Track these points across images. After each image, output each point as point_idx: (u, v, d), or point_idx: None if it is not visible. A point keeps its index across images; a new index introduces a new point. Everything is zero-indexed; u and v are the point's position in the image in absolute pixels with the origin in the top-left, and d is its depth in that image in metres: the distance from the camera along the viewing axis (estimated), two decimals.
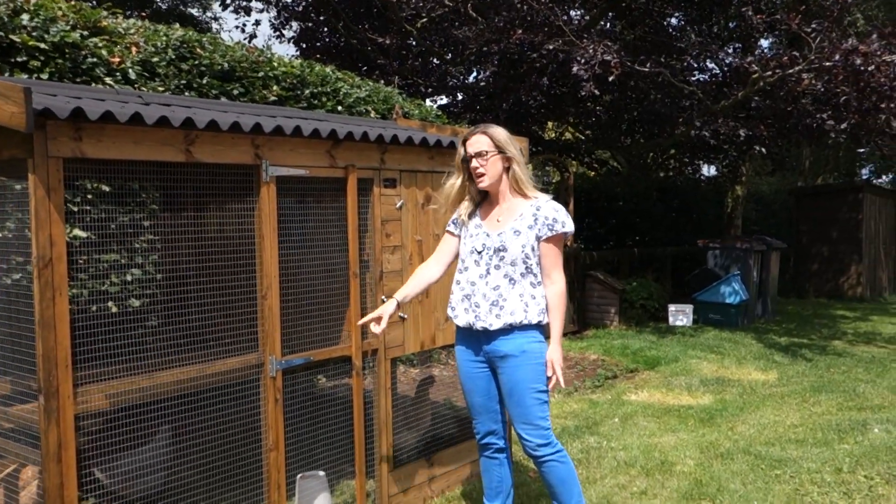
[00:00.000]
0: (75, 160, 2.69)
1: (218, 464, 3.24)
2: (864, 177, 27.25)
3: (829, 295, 15.67)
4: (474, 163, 3.38)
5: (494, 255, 3.37)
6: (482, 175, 3.38)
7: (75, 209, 3.24)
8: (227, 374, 3.26)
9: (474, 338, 3.49)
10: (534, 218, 3.36)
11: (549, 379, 3.39)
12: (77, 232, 3.18)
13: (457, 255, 3.60)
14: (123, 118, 2.69)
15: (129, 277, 3.48)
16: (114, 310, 3.39)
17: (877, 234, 16.29)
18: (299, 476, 3.73)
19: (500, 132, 3.41)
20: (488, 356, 3.47)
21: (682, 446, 5.26)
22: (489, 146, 3.37)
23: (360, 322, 3.51)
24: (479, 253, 3.42)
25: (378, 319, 3.38)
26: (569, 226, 3.38)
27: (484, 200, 3.54)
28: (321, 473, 3.81)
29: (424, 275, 3.61)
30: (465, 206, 3.53)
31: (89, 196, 3.50)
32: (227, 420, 3.29)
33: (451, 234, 3.62)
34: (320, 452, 3.81)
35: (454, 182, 3.51)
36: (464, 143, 3.44)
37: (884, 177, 28.32)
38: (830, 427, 5.71)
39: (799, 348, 9.34)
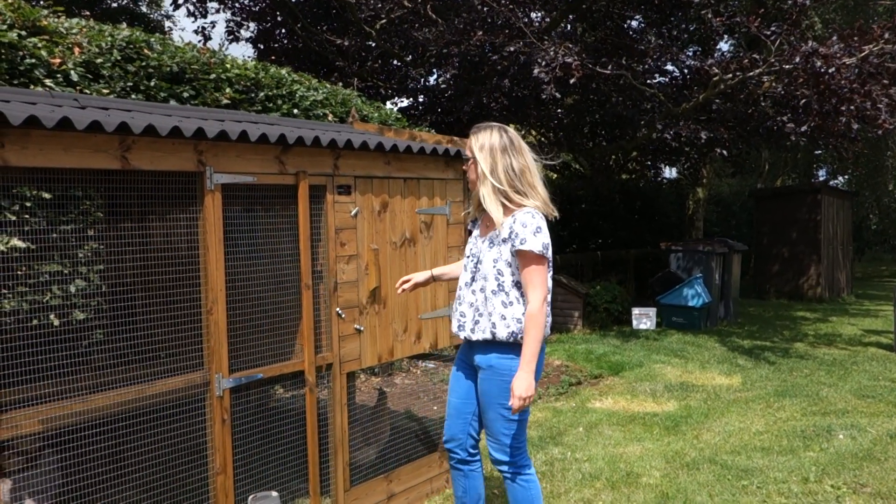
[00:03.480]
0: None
1: (160, 491, 3.05)
2: (821, 178, 27.64)
3: (790, 296, 15.78)
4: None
5: (477, 264, 3.29)
6: (471, 178, 3.33)
7: (14, 218, 3.04)
8: (169, 395, 3.06)
9: (467, 343, 3.45)
10: (509, 230, 3.14)
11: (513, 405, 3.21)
12: (15, 242, 2.97)
13: None
14: (50, 123, 2.48)
15: (72, 289, 3.26)
16: (56, 323, 3.18)
17: (835, 235, 16.45)
18: (251, 497, 3.55)
19: (483, 136, 3.22)
20: (472, 362, 3.40)
21: (648, 456, 5.15)
22: (469, 150, 3.28)
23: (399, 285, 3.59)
24: (469, 258, 3.37)
25: (406, 281, 3.56)
26: (530, 244, 3.07)
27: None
28: (274, 494, 3.63)
29: (458, 268, 3.66)
30: (474, 203, 3.43)
31: (28, 204, 3.29)
32: (169, 443, 3.09)
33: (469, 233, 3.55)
34: (272, 472, 3.63)
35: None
36: None
37: (840, 178, 28.73)
38: (795, 434, 5.65)
39: (762, 351, 9.33)
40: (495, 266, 3.19)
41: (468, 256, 3.36)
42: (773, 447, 5.35)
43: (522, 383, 3.06)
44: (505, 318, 3.17)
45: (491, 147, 3.20)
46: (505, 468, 3.30)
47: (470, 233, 3.52)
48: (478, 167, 3.23)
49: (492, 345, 3.23)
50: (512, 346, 3.20)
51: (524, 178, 3.20)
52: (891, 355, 9.12)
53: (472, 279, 3.30)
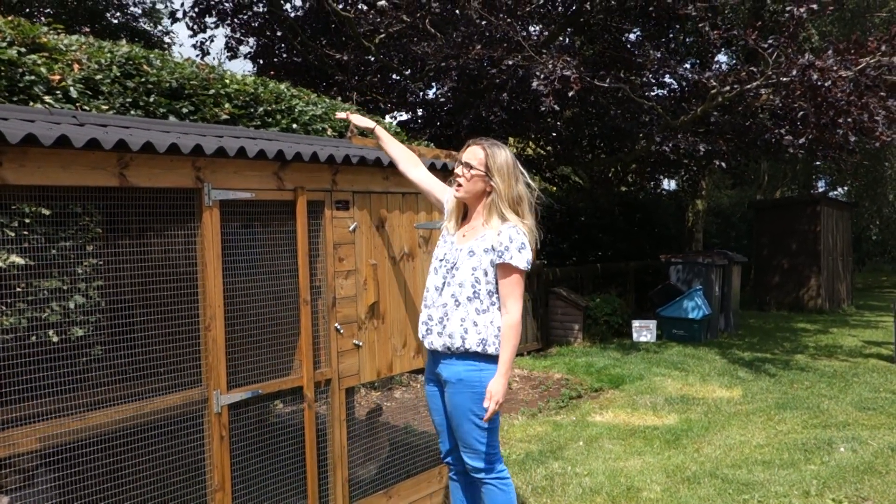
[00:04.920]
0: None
1: None
2: (821, 189, 27.67)
3: (790, 307, 15.77)
4: (459, 169, 3.32)
5: (450, 270, 3.31)
6: (459, 186, 3.32)
7: (13, 234, 3.04)
8: (167, 412, 3.06)
9: (431, 355, 3.47)
10: (492, 243, 3.22)
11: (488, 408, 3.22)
12: (14, 258, 2.97)
13: (429, 188, 3.65)
14: (48, 141, 2.49)
15: (71, 306, 3.26)
16: (55, 339, 3.18)
17: (834, 246, 16.46)
18: None
19: (500, 156, 3.27)
20: (437, 376, 3.42)
21: (649, 470, 5.14)
22: (479, 163, 3.27)
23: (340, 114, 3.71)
24: (441, 261, 3.37)
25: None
26: (517, 260, 3.16)
27: (467, 210, 3.44)
28: None
29: (411, 154, 3.70)
30: (453, 207, 3.45)
31: (27, 220, 3.29)
32: (167, 460, 3.08)
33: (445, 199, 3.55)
34: (272, 489, 3.61)
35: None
36: (466, 146, 3.37)
37: (839, 189, 28.77)
38: (796, 447, 5.63)
39: (762, 363, 9.31)
40: (473, 274, 3.24)
41: (441, 260, 3.37)
42: (774, 460, 5.34)
43: (500, 387, 3.18)
44: (477, 325, 3.23)
45: (508, 169, 3.28)
46: (485, 474, 3.34)
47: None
48: (488, 182, 3.26)
49: (458, 355, 3.26)
50: (479, 357, 3.24)
51: (521, 206, 3.30)
52: (892, 367, 9.10)
53: (444, 284, 3.32)
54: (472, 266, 3.23)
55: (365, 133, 3.85)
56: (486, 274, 3.23)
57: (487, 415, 3.20)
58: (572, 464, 5.31)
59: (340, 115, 3.82)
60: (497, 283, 3.24)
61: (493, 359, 3.24)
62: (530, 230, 3.28)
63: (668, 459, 5.40)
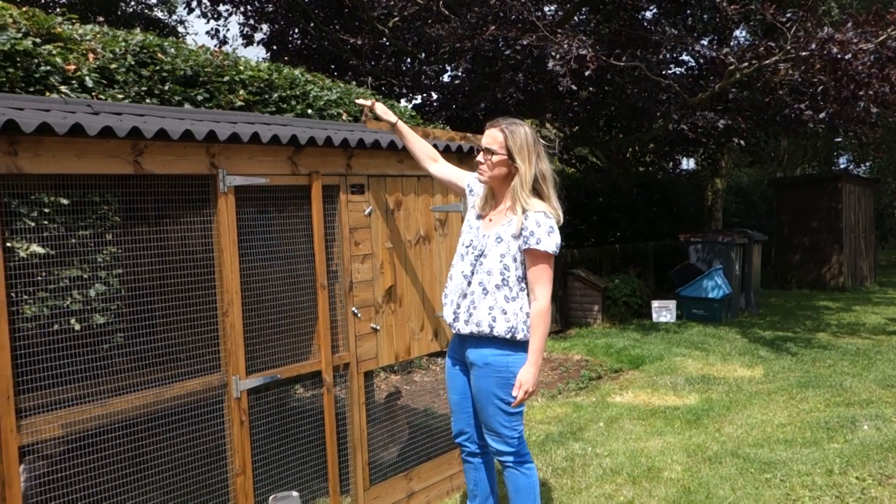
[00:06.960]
0: (12, 176, 2.50)
1: (181, 493, 3.07)
2: (842, 166, 27.34)
3: (812, 285, 15.62)
4: (480, 156, 3.28)
5: (477, 257, 3.27)
6: (483, 171, 3.29)
7: (33, 224, 3.06)
8: (188, 397, 3.08)
9: (457, 337, 3.45)
10: (520, 228, 3.15)
11: (517, 396, 3.20)
12: (35, 248, 3.00)
13: (447, 176, 3.66)
14: (62, 130, 2.50)
15: (91, 294, 3.29)
16: (77, 327, 3.21)
17: (856, 223, 16.27)
18: (272, 497, 3.56)
19: (520, 135, 3.19)
20: (464, 359, 3.41)
21: (669, 450, 5.12)
22: (499, 146, 3.21)
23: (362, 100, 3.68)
24: (468, 248, 3.33)
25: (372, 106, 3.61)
26: (544, 244, 3.10)
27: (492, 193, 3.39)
28: (295, 494, 3.64)
29: (428, 148, 3.68)
30: (481, 190, 3.43)
31: (46, 210, 3.31)
32: (188, 445, 3.11)
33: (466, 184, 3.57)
34: (292, 472, 3.64)
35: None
36: (486, 130, 3.33)
37: (861, 165, 28.41)
38: (819, 425, 5.59)
39: (784, 342, 9.25)
40: (502, 261, 3.20)
41: (467, 246, 3.33)
42: (796, 439, 5.30)
43: (530, 376, 3.16)
44: (506, 313, 3.19)
45: (529, 147, 3.20)
46: (508, 458, 3.35)
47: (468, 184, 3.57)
48: (511, 165, 3.21)
49: (486, 340, 3.25)
50: (508, 343, 3.22)
51: (546, 183, 3.23)
52: None
53: (473, 272, 3.28)
54: (500, 253, 3.19)
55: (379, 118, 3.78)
56: (514, 260, 3.18)
57: (516, 402, 3.18)
58: (592, 445, 5.31)
59: (363, 101, 3.72)
60: (525, 269, 3.20)
61: (521, 345, 3.22)
62: (554, 209, 3.21)
63: (689, 439, 5.38)
